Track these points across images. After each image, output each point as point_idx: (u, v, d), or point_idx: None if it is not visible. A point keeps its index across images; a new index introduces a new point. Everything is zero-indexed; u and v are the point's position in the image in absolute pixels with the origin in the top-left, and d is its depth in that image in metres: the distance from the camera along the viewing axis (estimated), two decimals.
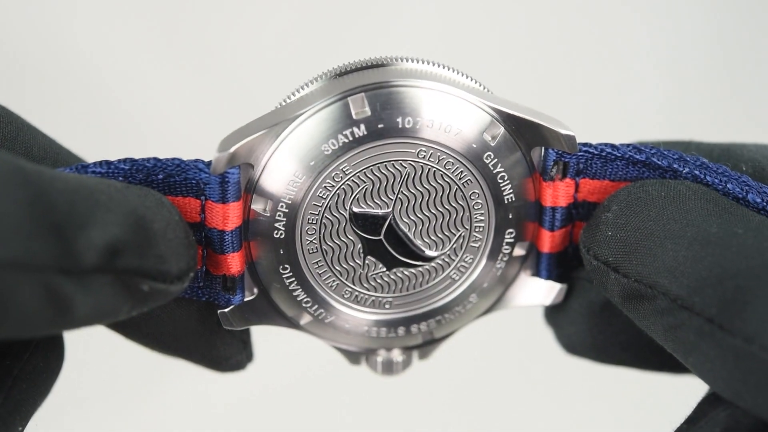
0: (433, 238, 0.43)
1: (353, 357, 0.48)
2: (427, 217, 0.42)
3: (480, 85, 0.42)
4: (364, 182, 0.41)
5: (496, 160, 0.41)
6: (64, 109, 0.95)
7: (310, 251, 0.42)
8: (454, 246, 0.43)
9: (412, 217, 0.42)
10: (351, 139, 0.40)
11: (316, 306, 0.44)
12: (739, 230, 0.37)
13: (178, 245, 0.38)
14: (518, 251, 0.44)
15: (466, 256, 0.44)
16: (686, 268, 0.36)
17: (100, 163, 0.40)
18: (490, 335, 0.77)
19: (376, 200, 0.42)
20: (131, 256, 0.35)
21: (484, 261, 0.44)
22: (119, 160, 0.40)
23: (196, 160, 0.40)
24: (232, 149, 0.38)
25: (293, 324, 0.45)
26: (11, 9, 0.93)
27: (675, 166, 0.41)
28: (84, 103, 0.96)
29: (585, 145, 0.42)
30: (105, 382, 0.93)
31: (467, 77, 0.42)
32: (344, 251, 0.43)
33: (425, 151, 0.41)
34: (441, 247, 0.43)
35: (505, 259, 0.44)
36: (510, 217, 0.43)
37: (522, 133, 0.41)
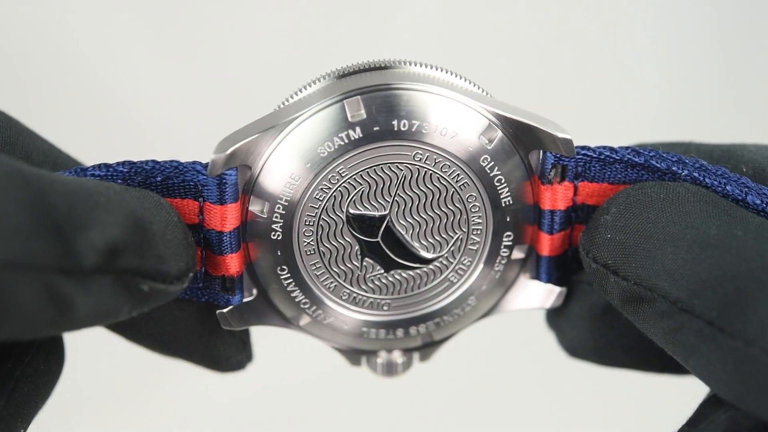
0: (430, 240, 0.43)
1: (353, 358, 0.48)
2: (424, 219, 0.43)
3: (478, 88, 0.42)
4: (361, 184, 0.41)
5: (492, 163, 0.41)
6: (63, 111, 0.95)
7: (308, 253, 0.42)
8: (451, 248, 0.43)
9: (409, 220, 0.42)
10: (347, 141, 0.40)
11: (314, 307, 0.44)
12: (738, 232, 0.37)
13: (177, 246, 0.38)
14: (517, 254, 0.44)
15: (464, 259, 0.44)
16: (686, 270, 0.36)
17: (99, 165, 0.40)
18: (491, 338, 0.77)
19: (372, 202, 0.42)
20: (131, 256, 0.35)
21: (482, 264, 0.44)
22: (118, 163, 0.40)
23: (194, 162, 0.40)
24: (229, 150, 0.39)
25: (292, 325, 0.45)
26: (10, 10, 0.92)
27: (674, 168, 0.41)
28: (82, 105, 0.96)
29: (583, 148, 0.41)
30: (106, 384, 0.94)
31: (465, 80, 0.42)
32: (342, 253, 0.43)
33: (421, 154, 0.41)
34: (438, 249, 0.43)
35: (503, 261, 0.44)
36: (508, 220, 0.43)
37: (519, 136, 0.41)
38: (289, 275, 0.43)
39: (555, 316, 0.47)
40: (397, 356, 0.47)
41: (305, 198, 0.41)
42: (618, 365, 0.47)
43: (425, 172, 0.41)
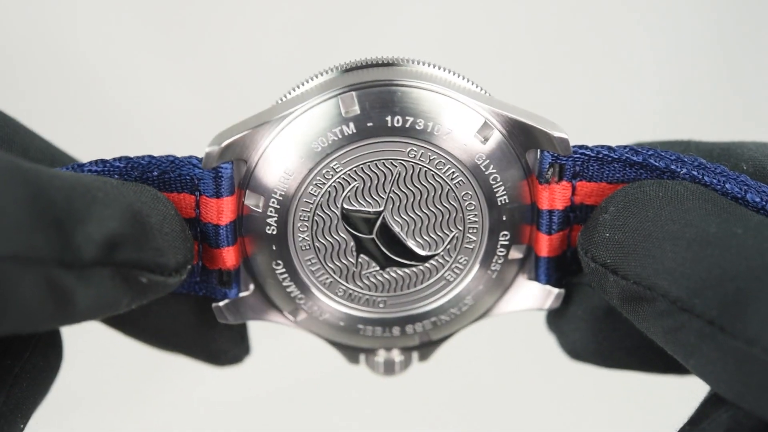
0: (426, 238, 0.43)
1: (351, 355, 0.48)
2: (420, 216, 0.42)
3: (475, 86, 0.42)
4: (355, 180, 0.41)
5: (488, 161, 0.41)
6: (59, 107, 0.95)
7: (303, 248, 0.42)
8: (447, 247, 0.43)
9: (404, 217, 0.42)
10: (341, 136, 0.40)
11: (310, 303, 0.44)
12: (738, 230, 0.37)
13: (175, 238, 0.39)
14: (514, 254, 0.44)
15: (461, 258, 0.44)
16: (686, 269, 0.36)
17: (96, 161, 0.40)
18: (490, 338, 0.77)
19: (367, 198, 0.42)
20: (129, 249, 0.36)
21: (478, 263, 0.44)
22: (114, 159, 0.40)
23: (190, 157, 0.40)
24: (224, 143, 0.39)
25: (289, 320, 0.45)
26: (9, 10, 0.93)
27: (672, 167, 0.40)
28: (79, 101, 0.96)
29: (581, 147, 0.41)
30: (104, 379, 0.94)
31: (461, 77, 0.42)
32: (337, 249, 0.43)
33: (416, 151, 0.41)
34: (434, 247, 0.43)
35: (500, 261, 0.44)
36: (504, 219, 0.42)
37: (515, 134, 0.41)
38: (284, 270, 0.43)
39: (556, 319, 0.47)
40: (396, 355, 0.47)
41: (299, 193, 0.41)
42: (621, 367, 0.47)
43: (420, 169, 0.41)
